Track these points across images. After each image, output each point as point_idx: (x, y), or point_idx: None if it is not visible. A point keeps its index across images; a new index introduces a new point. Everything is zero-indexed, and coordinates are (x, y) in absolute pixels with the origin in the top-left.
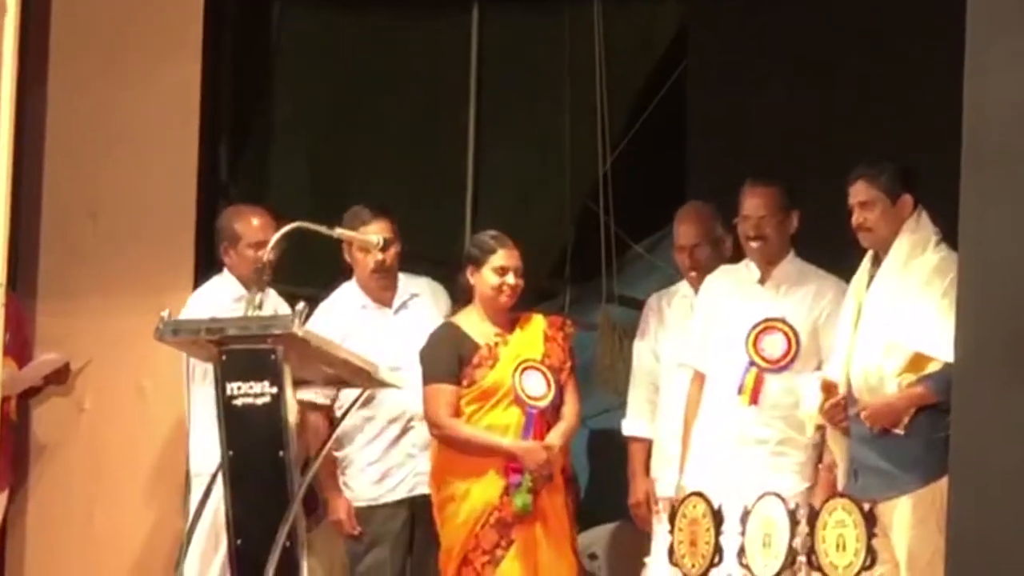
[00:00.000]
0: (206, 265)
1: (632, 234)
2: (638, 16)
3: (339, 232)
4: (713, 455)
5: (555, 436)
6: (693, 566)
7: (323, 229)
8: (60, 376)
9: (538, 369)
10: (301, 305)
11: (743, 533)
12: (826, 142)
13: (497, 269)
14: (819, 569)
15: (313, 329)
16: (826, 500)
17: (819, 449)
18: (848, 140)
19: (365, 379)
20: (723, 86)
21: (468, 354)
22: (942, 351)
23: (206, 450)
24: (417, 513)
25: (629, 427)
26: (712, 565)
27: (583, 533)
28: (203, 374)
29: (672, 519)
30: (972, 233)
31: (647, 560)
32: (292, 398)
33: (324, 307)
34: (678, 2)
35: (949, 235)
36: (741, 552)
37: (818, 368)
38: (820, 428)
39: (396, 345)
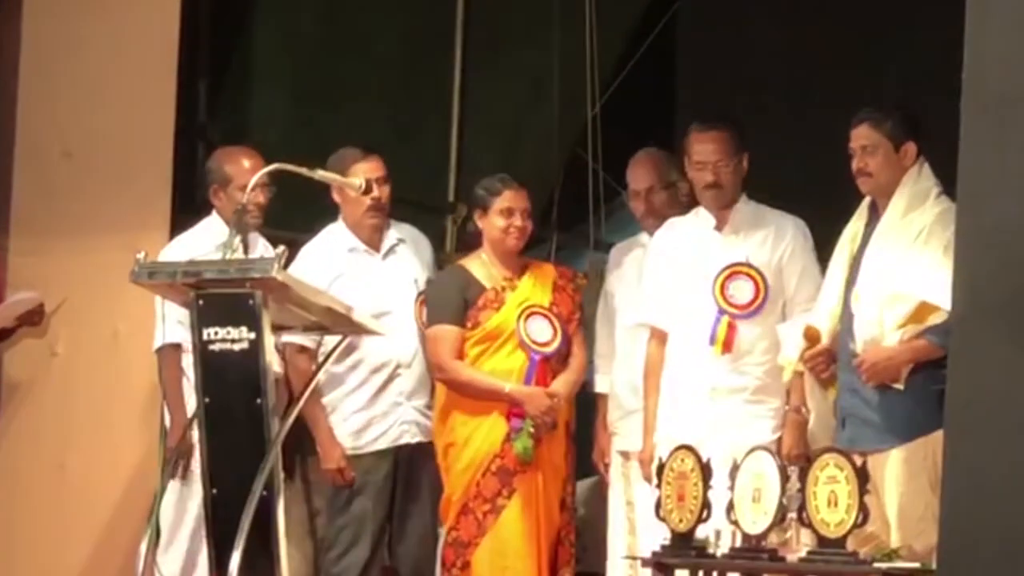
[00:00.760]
0: (183, 205)
1: (620, 180)
2: None
3: (321, 174)
4: (688, 408)
5: (560, 384)
6: (680, 521)
7: (304, 171)
8: (34, 317)
9: (545, 315)
10: (281, 248)
11: (732, 488)
12: (822, 86)
13: (503, 211)
14: (809, 525)
15: (298, 271)
16: (795, 443)
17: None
18: (845, 83)
19: (346, 325)
20: (715, 29)
21: (474, 297)
22: (947, 300)
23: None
24: (401, 463)
25: (597, 383)
26: (700, 520)
27: None
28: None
29: (659, 473)
30: (970, 184)
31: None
32: (271, 344)
33: (309, 248)
34: None
35: (950, 185)
36: (730, 508)
37: (784, 308)
38: (799, 375)
39: (384, 290)
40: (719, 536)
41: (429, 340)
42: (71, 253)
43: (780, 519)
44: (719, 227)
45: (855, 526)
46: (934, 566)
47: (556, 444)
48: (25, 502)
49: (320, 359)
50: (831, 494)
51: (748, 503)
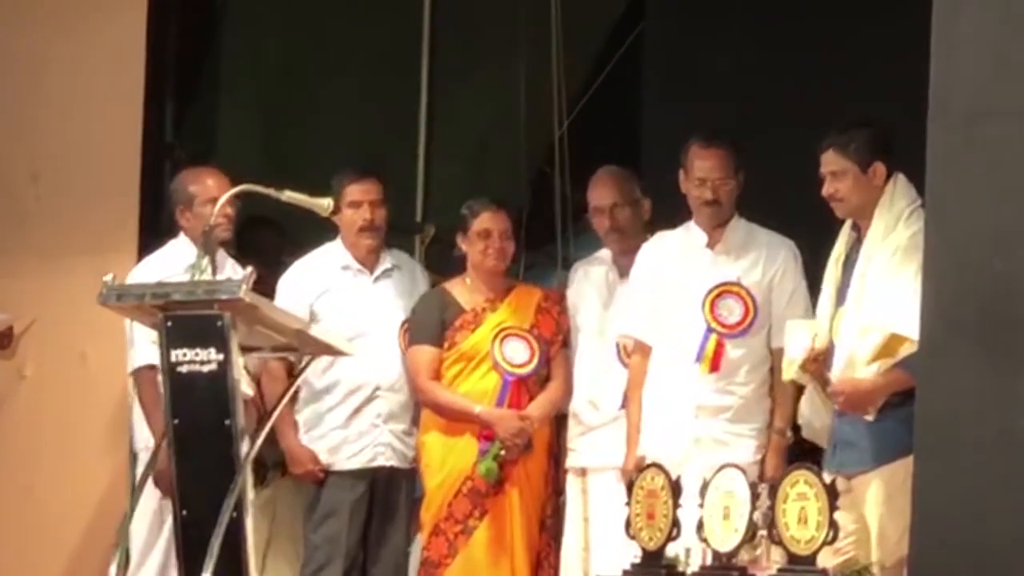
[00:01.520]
0: (151, 227)
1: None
2: None
3: (288, 195)
4: (671, 425)
5: (534, 407)
6: (650, 539)
7: (271, 192)
8: (3, 339)
9: (523, 337)
10: (249, 270)
11: (702, 506)
12: (788, 107)
13: (481, 232)
14: (780, 543)
15: (287, 283)
16: (778, 466)
17: (772, 413)
18: (812, 104)
19: (315, 347)
20: (681, 49)
21: (451, 318)
22: (916, 331)
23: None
24: (378, 487)
25: None
26: (670, 539)
27: None
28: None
29: (629, 491)
30: (938, 201)
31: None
32: (239, 365)
33: (302, 262)
34: None
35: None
36: (700, 526)
37: (770, 331)
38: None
39: (369, 311)
40: (689, 554)
41: (408, 360)
42: (39, 275)
43: (750, 536)
44: (710, 244)
45: (825, 543)
46: None
47: (534, 464)
48: None
49: (297, 369)
50: (801, 511)
51: (718, 520)
